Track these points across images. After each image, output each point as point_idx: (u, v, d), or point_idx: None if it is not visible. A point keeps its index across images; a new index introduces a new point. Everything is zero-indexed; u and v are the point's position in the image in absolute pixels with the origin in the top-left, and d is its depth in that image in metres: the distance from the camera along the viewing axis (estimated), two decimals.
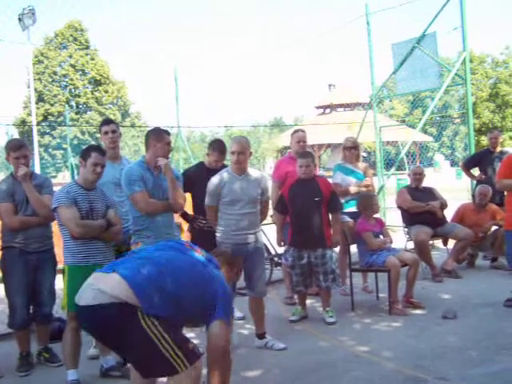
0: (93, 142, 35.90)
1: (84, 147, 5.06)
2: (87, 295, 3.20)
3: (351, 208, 7.14)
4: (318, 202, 6.03)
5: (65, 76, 46.37)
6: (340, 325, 5.98)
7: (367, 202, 6.79)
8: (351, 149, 7.42)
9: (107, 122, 5.79)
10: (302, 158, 6.15)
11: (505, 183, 6.24)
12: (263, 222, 5.70)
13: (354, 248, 6.92)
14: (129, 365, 4.77)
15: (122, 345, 3.26)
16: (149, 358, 3.15)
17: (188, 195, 5.64)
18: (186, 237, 6.79)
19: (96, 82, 46.91)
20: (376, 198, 6.98)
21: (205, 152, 6.38)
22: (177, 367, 3.11)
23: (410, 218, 8.12)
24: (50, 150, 44.09)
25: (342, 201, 6.95)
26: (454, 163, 31.05)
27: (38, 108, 38.59)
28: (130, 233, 5.00)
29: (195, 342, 3.54)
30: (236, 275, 4.20)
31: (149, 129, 5.33)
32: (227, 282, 3.70)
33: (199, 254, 3.68)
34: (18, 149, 4.98)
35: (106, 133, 5.53)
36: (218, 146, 6.11)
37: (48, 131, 43.86)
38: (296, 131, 7.18)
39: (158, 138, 4.98)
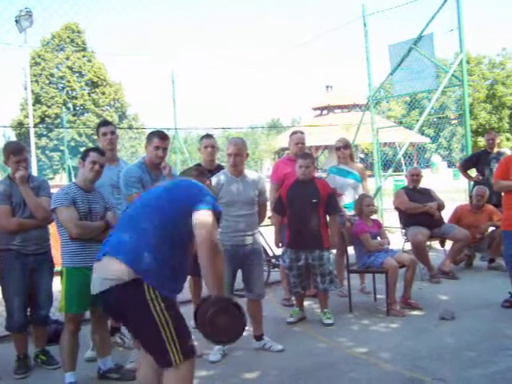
0: (90, 144, 35.90)
1: (84, 149, 5.07)
2: (95, 284, 3.28)
3: (349, 212, 7.14)
4: (315, 204, 6.03)
5: (62, 78, 46.27)
6: (338, 326, 5.98)
7: (359, 202, 6.80)
8: (343, 148, 7.40)
9: (105, 123, 5.80)
10: (303, 158, 6.15)
11: (502, 184, 6.25)
12: (261, 224, 5.70)
13: (351, 249, 6.93)
14: (127, 366, 4.81)
15: (131, 326, 3.31)
16: (150, 341, 3.18)
17: None
18: None
19: (93, 84, 46.84)
20: (369, 199, 6.95)
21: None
22: (171, 357, 3.11)
23: (408, 219, 8.13)
24: (47, 151, 44.04)
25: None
26: (451, 164, 31.06)
27: (34, 110, 38.51)
28: None
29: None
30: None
31: (148, 131, 5.36)
32: None
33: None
34: (20, 153, 4.97)
35: (105, 134, 5.54)
36: (206, 139, 6.16)
37: (45, 133, 43.80)
38: (294, 133, 7.17)
39: (149, 141, 5.10)
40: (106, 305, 3.35)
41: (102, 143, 5.57)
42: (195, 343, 3.35)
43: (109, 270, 3.19)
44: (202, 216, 3.20)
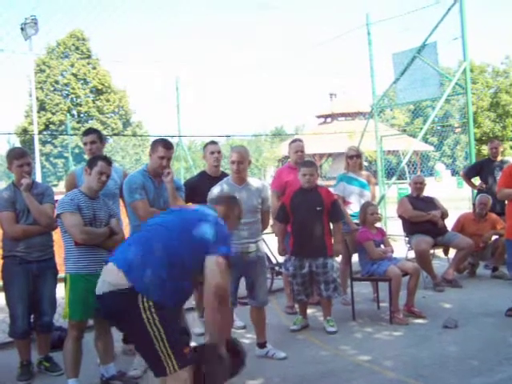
0: None
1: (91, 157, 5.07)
2: (98, 286, 3.36)
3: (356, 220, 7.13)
4: (319, 212, 6.04)
5: (66, 85, 46.48)
6: (341, 334, 5.97)
7: (363, 211, 6.81)
8: (354, 157, 7.42)
9: (86, 132, 5.68)
10: (306, 166, 6.16)
11: (505, 192, 6.24)
12: (264, 232, 5.71)
13: (354, 257, 6.93)
14: (130, 373, 4.81)
15: (127, 334, 3.35)
16: (145, 351, 3.22)
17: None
18: None
19: (97, 91, 47.02)
20: (373, 207, 6.94)
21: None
22: (166, 367, 3.12)
23: (411, 228, 8.12)
24: (51, 158, 44.19)
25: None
26: (454, 172, 31.05)
27: (39, 117, 38.58)
28: None
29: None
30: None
31: (152, 138, 5.33)
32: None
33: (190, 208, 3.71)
34: (22, 156, 5.00)
35: (85, 144, 5.51)
36: (211, 145, 6.15)
37: (49, 140, 43.95)
38: (293, 141, 7.21)
39: (154, 149, 5.08)
40: (103, 308, 3.41)
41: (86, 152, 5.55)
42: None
43: (110, 276, 3.27)
44: (213, 264, 3.24)
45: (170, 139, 5.51)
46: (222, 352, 3.21)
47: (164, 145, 5.07)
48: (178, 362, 3.13)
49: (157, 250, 3.28)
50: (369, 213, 6.74)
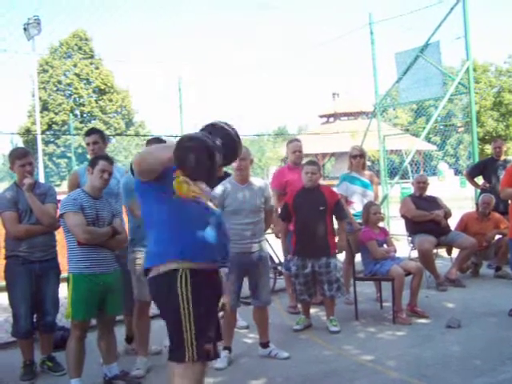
0: None
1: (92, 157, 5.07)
2: None
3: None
4: (322, 211, 6.03)
5: (69, 85, 46.46)
6: (344, 334, 5.96)
7: (366, 210, 6.80)
8: (358, 157, 7.42)
9: (89, 132, 5.68)
10: (309, 165, 6.16)
11: (508, 192, 6.23)
12: (267, 231, 5.70)
13: (357, 257, 6.92)
14: (133, 373, 4.81)
15: (161, 313, 3.36)
16: (172, 331, 3.21)
17: None
18: None
19: (100, 91, 47.00)
20: (376, 207, 6.93)
21: None
22: (185, 353, 3.10)
23: (414, 227, 8.11)
24: (54, 158, 44.18)
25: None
26: (457, 172, 31.02)
27: (42, 117, 38.59)
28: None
29: None
30: None
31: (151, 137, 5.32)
32: None
33: None
34: (24, 156, 5.01)
35: (88, 144, 5.51)
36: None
37: (52, 140, 43.94)
38: (291, 141, 7.22)
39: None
40: (150, 291, 3.45)
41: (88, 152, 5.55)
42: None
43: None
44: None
45: (173, 139, 5.51)
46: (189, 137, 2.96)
47: (158, 142, 5.08)
48: (197, 354, 3.11)
49: (144, 223, 3.41)
50: (372, 212, 6.74)
